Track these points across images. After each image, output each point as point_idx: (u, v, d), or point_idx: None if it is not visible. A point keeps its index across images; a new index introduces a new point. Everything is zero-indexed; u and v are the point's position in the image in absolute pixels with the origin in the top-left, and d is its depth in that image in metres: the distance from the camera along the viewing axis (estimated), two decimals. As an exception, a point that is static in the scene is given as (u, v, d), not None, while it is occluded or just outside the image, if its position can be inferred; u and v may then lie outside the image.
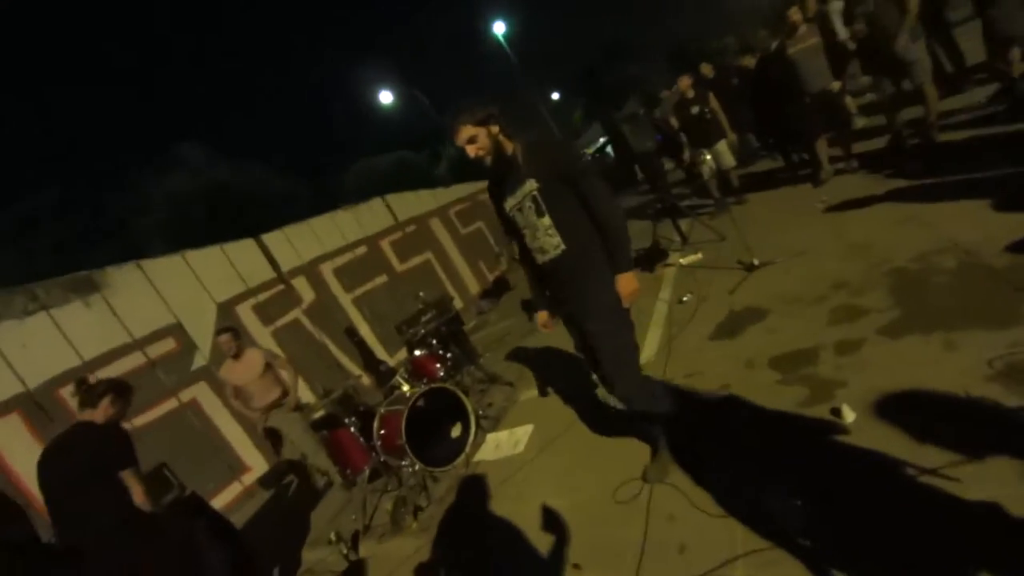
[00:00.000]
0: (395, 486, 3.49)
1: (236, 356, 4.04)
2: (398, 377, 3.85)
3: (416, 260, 8.11)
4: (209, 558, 2.59)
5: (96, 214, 25.27)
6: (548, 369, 4.05)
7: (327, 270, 6.80)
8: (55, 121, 45.61)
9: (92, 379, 2.46)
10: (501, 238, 9.33)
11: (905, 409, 1.80)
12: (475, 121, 1.83)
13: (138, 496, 2.14)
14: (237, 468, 5.03)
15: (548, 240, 1.90)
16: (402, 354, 6.60)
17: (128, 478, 2.13)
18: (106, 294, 4.80)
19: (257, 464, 5.16)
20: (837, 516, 1.55)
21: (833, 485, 1.66)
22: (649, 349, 3.43)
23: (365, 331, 6.83)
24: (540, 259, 1.98)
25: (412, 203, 8.67)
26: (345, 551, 2.96)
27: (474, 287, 8.95)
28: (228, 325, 4.48)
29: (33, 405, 4.14)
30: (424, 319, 4.70)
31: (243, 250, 6.02)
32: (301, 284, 6.40)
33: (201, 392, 5.03)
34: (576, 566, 1.99)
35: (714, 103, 5.63)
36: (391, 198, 8.34)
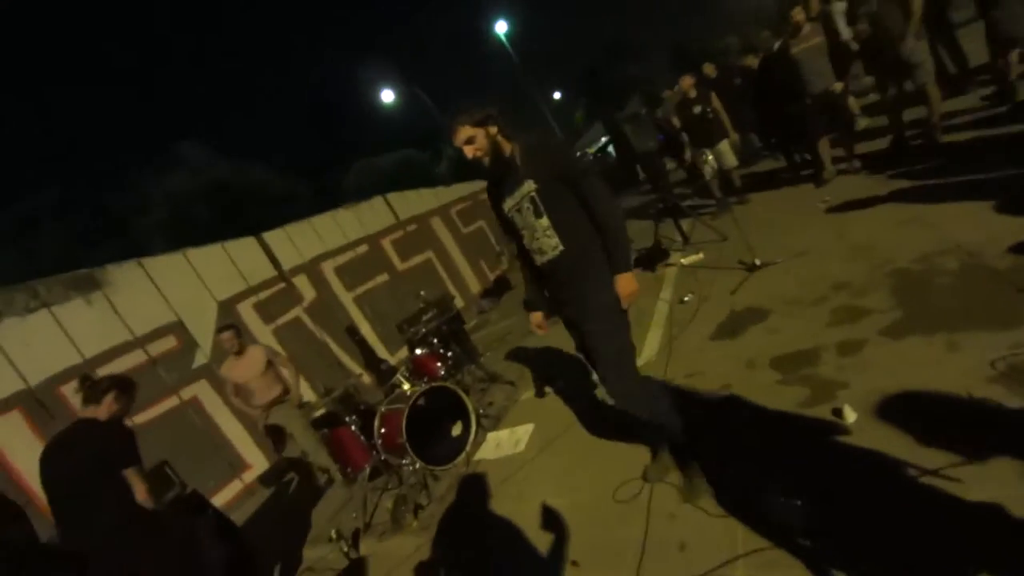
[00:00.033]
0: (395, 484, 3.50)
1: (238, 353, 4.05)
2: (399, 376, 3.86)
3: (417, 259, 8.11)
4: (210, 556, 2.59)
5: (96, 214, 25.29)
6: (548, 369, 4.05)
7: (328, 268, 6.80)
8: (55, 121, 45.68)
9: (96, 376, 2.45)
10: (502, 237, 9.33)
11: (907, 410, 1.80)
12: (473, 122, 1.82)
13: (140, 494, 2.13)
14: (238, 466, 5.04)
15: (547, 241, 1.90)
16: (403, 353, 6.61)
17: (131, 476, 2.13)
18: (107, 292, 4.81)
19: (257, 462, 5.17)
20: (838, 516, 1.54)
21: (834, 485, 1.66)
22: (650, 349, 3.43)
23: (366, 330, 6.84)
24: (539, 260, 1.97)
25: (413, 202, 8.67)
26: (345, 549, 2.96)
27: (475, 286, 8.95)
28: (229, 323, 4.48)
29: (34, 402, 4.15)
30: (425, 318, 4.70)
31: (244, 248, 6.02)
32: (302, 282, 6.40)
33: (202, 390, 5.04)
34: (574, 563, 1.99)
35: (716, 103, 5.63)
36: (392, 197, 8.34)
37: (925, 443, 1.61)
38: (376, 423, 3.47)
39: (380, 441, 3.41)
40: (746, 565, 1.56)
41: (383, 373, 6.43)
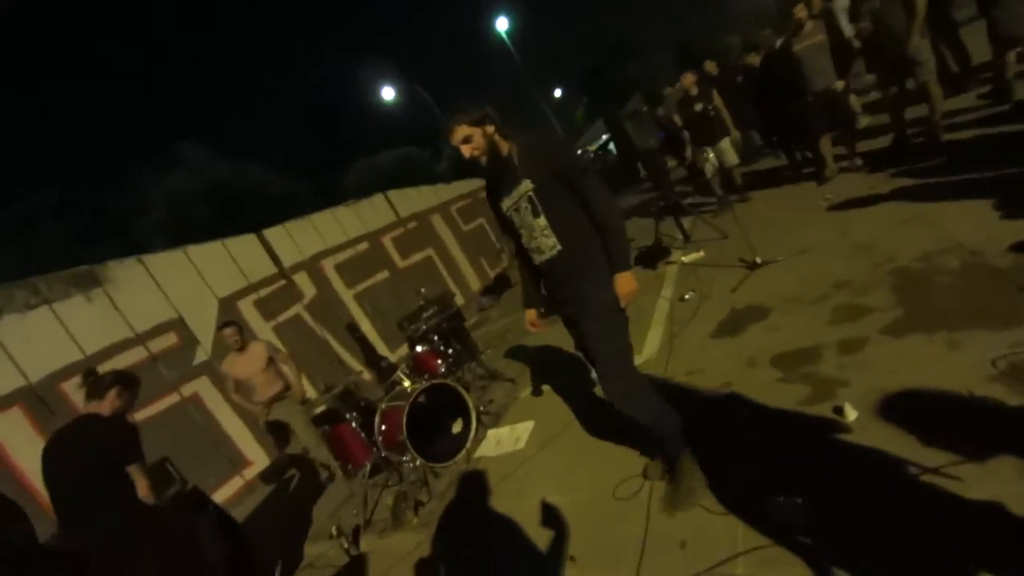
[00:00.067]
0: (396, 481, 3.50)
1: (240, 349, 4.06)
2: (399, 373, 3.86)
3: (417, 256, 8.11)
4: (210, 553, 2.59)
5: (96, 214, 25.30)
6: (548, 367, 4.06)
7: (328, 266, 6.80)
8: (55, 121, 45.68)
9: (99, 371, 2.45)
10: (501, 235, 9.33)
11: (907, 408, 1.80)
12: (470, 121, 1.82)
13: (142, 490, 2.14)
14: (238, 462, 5.05)
15: (544, 240, 1.89)
16: (403, 350, 6.61)
17: (133, 472, 2.13)
18: (108, 288, 4.81)
19: (258, 458, 5.18)
20: (839, 514, 1.54)
21: (835, 483, 1.66)
22: (651, 347, 3.43)
23: (366, 327, 6.84)
24: (537, 259, 1.97)
25: (414, 199, 8.67)
26: (346, 546, 2.97)
27: (475, 283, 8.95)
28: (231, 319, 4.49)
29: (35, 399, 4.15)
30: (425, 315, 4.70)
31: (244, 245, 6.02)
32: (302, 279, 6.41)
33: (203, 387, 5.05)
34: (572, 558, 2.00)
35: (718, 100, 5.61)
36: (393, 194, 8.34)
37: (926, 441, 1.61)
38: (377, 420, 3.47)
39: (381, 438, 3.42)
40: (746, 562, 1.57)
41: (383, 370, 6.43)
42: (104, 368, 4.25)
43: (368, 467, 3.51)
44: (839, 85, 4.56)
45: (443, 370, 4.14)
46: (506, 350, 5.15)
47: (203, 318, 5.31)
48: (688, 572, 1.65)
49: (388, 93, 15.59)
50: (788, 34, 4.79)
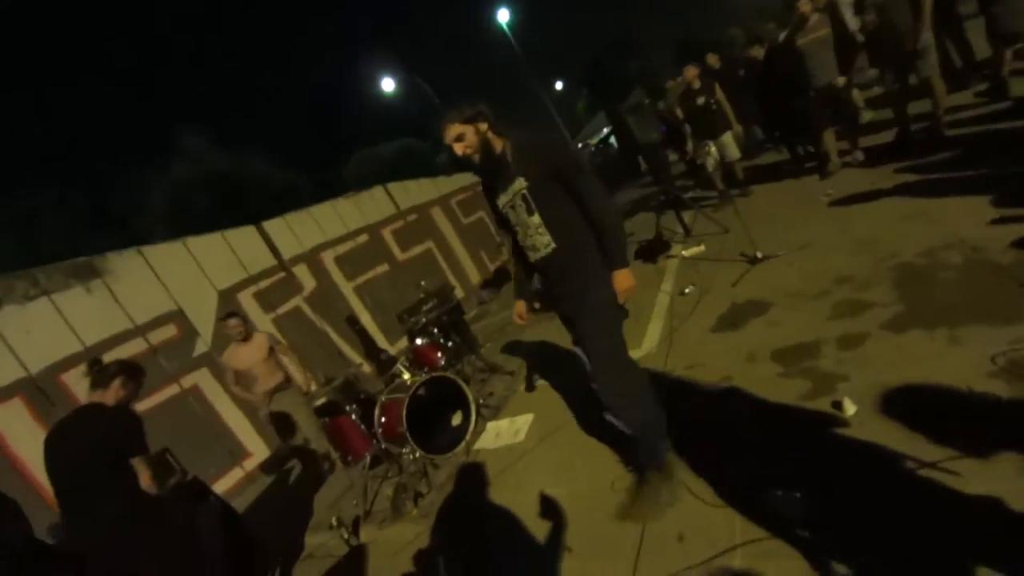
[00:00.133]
0: (396, 473, 3.52)
1: (245, 340, 4.07)
2: (399, 365, 3.86)
3: (417, 249, 8.10)
4: (211, 543, 2.61)
5: (95, 205, 25.22)
6: (546, 361, 4.06)
7: (328, 258, 6.79)
8: (56, 113, 45.49)
9: (104, 360, 2.44)
10: (499, 229, 9.31)
11: (907, 403, 1.80)
12: (463, 119, 1.81)
13: (145, 480, 2.14)
14: (238, 454, 5.07)
15: (539, 239, 1.89)
16: (403, 343, 6.62)
17: (136, 462, 2.14)
18: (107, 280, 4.80)
19: (258, 450, 5.20)
20: (837, 508, 1.55)
21: (833, 477, 1.67)
22: (651, 340, 3.43)
23: (366, 319, 6.84)
24: (532, 257, 1.97)
25: (414, 192, 8.64)
26: (346, 536, 2.99)
27: (475, 277, 8.94)
28: (233, 310, 4.49)
29: (35, 390, 4.16)
30: (425, 308, 4.70)
31: (244, 237, 6.01)
32: (302, 272, 6.40)
33: (202, 378, 5.06)
34: (569, 550, 2.01)
35: (720, 94, 5.57)
36: (393, 186, 8.31)
37: (924, 436, 1.62)
38: (377, 412, 3.48)
39: (381, 430, 3.43)
40: (744, 555, 1.58)
41: (383, 363, 6.45)
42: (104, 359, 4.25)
43: (368, 459, 3.53)
44: (840, 81, 4.53)
45: (443, 363, 4.14)
46: (505, 344, 5.16)
47: (203, 310, 5.31)
48: (686, 564, 1.66)
49: (388, 84, 15.50)
50: (792, 28, 4.75)
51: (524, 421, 3.33)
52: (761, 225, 4.28)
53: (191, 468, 4.24)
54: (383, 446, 3.45)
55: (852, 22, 4.84)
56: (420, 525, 2.81)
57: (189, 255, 5.45)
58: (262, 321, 5.70)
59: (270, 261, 6.14)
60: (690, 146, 6.16)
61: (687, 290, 3.88)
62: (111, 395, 2.27)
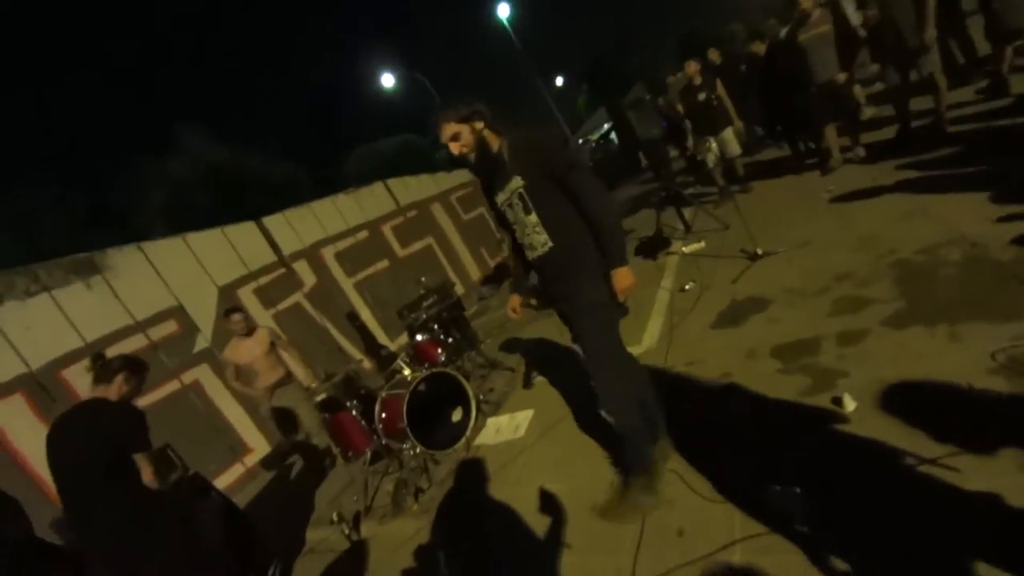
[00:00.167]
0: (396, 468, 3.53)
1: (248, 334, 4.07)
2: (399, 361, 3.87)
3: (417, 245, 8.09)
4: (213, 539, 2.62)
5: (95, 201, 25.12)
6: (546, 358, 4.06)
7: (328, 254, 6.79)
8: (55, 119, 45.36)
9: (107, 355, 2.43)
10: (498, 227, 9.30)
11: (907, 400, 1.81)
12: (459, 118, 1.79)
13: (147, 476, 2.14)
14: (239, 449, 5.09)
15: (536, 237, 1.89)
16: (403, 339, 6.63)
17: (138, 458, 2.14)
18: (107, 276, 4.80)
19: (259, 445, 5.22)
20: (836, 504, 1.56)
21: (833, 473, 1.67)
22: (651, 337, 3.44)
23: (366, 316, 6.85)
24: (530, 255, 1.98)
25: (414, 188, 8.62)
26: (347, 531, 3.00)
27: (475, 273, 8.94)
28: (236, 305, 4.50)
29: (36, 386, 4.17)
30: (425, 304, 4.70)
31: (244, 233, 6.00)
32: (302, 268, 6.39)
33: (203, 374, 5.06)
34: (568, 546, 2.02)
35: (721, 90, 5.55)
36: (393, 183, 8.29)
37: (924, 433, 1.62)
38: (377, 408, 3.49)
39: (381, 426, 3.44)
40: (743, 550, 1.58)
41: (383, 359, 6.45)
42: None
43: (368, 454, 3.54)
44: (841, 77, 4.52)
45: (443, 359, 4.15)
46: (505, 340, 5.16)
47: (203, 306, 5.31)
48: (686, 559, 1.67)
49: (388, 80, 15.43)
50: (793, 23, 4.73)
51: (524, 417, 3.34)
52: (761, 221, 4.28)
53: (192, 464, 4.23)
54: (384, 442, 3.46)
55: (854, 17, 4.81)
56: (420, 521, 2.82)
57: (189, 251, 5.44)
58: (262, 317, 5.71)
59: (270, 257, 6.13)
60: (691, 142, 6.14)
61: (687, 286, 3.88)
62: (114, 390, 2.27)
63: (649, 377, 2.17)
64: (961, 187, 3.09)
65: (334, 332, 6.34)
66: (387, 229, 7.76)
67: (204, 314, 5.27)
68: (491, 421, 3.56)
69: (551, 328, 4.15)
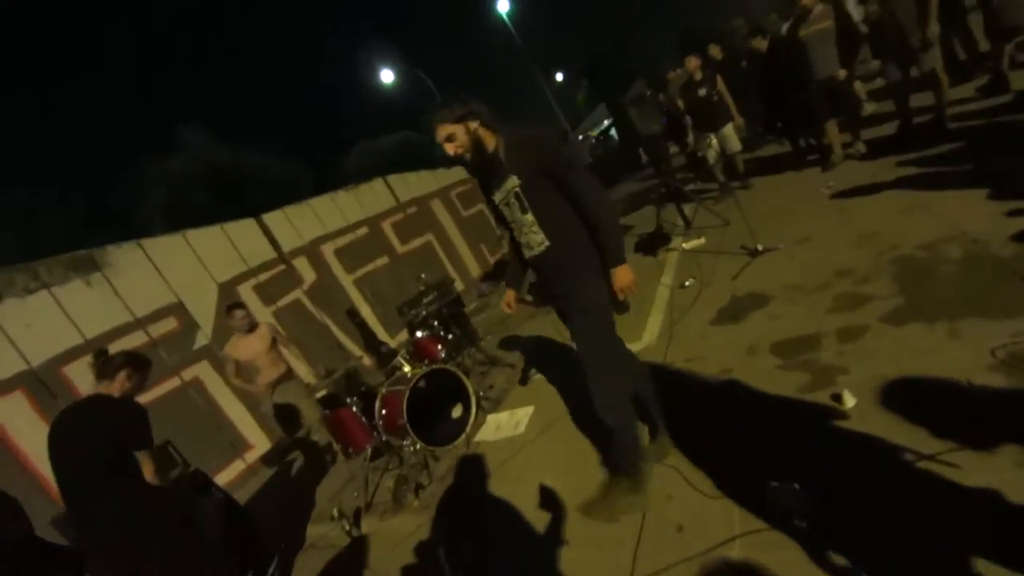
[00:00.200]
0: (396, 465, 3.54)
1: (251, 330, 4.07)
2: (399, 358, 3.87)
3: (417, 242, 8.08)
4: (213, 535, 2.62)
5: (95, 198, 25.08)
6: (545, 355, 4.06)
7: (328, 251, 6.78)
8: (55, 118, 45.20)
9: (110, 351, 2.42)
10: (498, 224, 9.28)
11: (906, 396, 1.81)
12: (453, 118, 1.78)
13: (148, 472, 2.15)
14: (239, 446, 5.10)
15: (533, 236, 1.88)
16: (403, 335, 6.63)
17: (140, 454, 2.14)
18: (107, 273, 4.79)
19: (259, 442, 5.22)
20: (835, 499, 1.56)
21: (832, 469, 1.67)
22: (651, 333, 3.44)
23: (366, 312, 6.84)
24: (527, 254, 1.98)
25: (414, 184, 8.60)
26: (347, 527, 3.01)
27: (475, 269, 8.94)
28: (238, 301, 4.49)
29: (37, 383, 4.17)
30: (425, 301, 4.70)
31: (244, 230, 5.99)
32: (302, 264, 6.39)
33: (203, 371, 5.06)
34: (567, 542, 2.03)
35: (722, 86, 5.53)
36: (392, 179, 8.27)
37: (924, 429, 1.62)
38: (377, 404, 3.49)
39: (381, 422, 3.44)
40: (743, 545, 1.59)
41: (383, 355, 6.45)
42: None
43: (369, 451, 3.54)
44: (841, 74, 4.50)
45: (443, 355, 4.15)
46: (505, 337, 5.16)
47: (203, 303, 5.30)
48: (685, 554, 1.67)
49: (387, 76, 15.39)
50: (794, 19, 4.71)
51: (524, 413, 3.34)
52: (762, 218, 4.27)
53: (193, 460, 4.24)
54: (384, 438, 3.46)
55: (855, 13, 4.80)
56: (421, 517, 2.83)
57: (189, 248, 5.44)
58: (262, 314, 5.70)
59: (270, 254, 6.12)
60: (691, 138, 6.12)
61: (687, 283, 3.88)
62: (116, 386, 2.27)
63: (649, 373, 2.17)
64: (962, 183, 3.08)
65: (334, 329, 6.34)
66: (387, 225, 7.75)
67: (204, 311, 5.27)
68: (491, 417, 3.56)
69: (549, 326, 4.15)
